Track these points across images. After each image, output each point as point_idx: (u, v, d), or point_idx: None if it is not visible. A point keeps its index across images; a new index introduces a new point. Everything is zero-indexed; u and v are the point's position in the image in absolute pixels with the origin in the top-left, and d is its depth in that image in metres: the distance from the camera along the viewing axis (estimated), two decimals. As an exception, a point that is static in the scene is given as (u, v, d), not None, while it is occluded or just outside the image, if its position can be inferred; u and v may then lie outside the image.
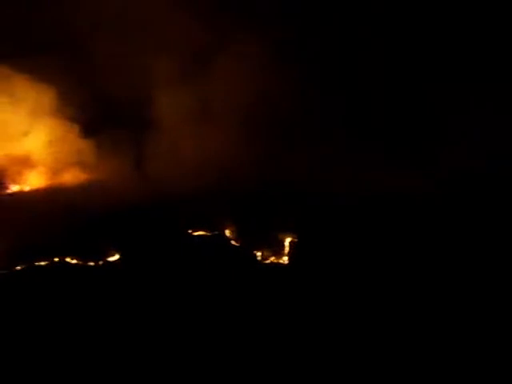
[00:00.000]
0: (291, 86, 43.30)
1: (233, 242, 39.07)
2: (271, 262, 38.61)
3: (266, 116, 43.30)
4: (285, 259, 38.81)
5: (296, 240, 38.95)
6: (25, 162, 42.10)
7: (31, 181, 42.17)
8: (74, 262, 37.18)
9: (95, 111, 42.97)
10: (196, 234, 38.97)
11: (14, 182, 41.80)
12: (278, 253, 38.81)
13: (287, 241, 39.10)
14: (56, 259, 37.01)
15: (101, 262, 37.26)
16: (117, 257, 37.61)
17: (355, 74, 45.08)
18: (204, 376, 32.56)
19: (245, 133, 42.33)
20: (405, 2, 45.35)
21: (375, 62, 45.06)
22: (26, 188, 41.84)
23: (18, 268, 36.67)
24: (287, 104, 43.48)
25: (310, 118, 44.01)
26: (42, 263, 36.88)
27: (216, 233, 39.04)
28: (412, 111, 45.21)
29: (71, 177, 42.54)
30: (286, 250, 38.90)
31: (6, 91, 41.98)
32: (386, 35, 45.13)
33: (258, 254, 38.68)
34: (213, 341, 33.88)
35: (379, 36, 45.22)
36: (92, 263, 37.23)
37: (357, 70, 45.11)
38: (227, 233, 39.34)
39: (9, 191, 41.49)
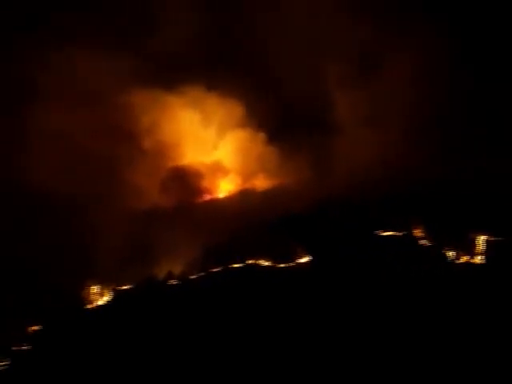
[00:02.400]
0: (455, 88, 42.54)
1: (422, 242, 38.34)
2: (464, 262, 37.46)
3: (433, 116, 42.60)
4: (479, 258, 37.49)
5: (492, 238, 37.56)
6: (217, 172, 43.54)
7: (223, 188, 43.44)
8: (266, 264, 37.77)
9: (277, 119, 43.76)
10: (384, 234, 38.45)
11: (208, 190, 43.26)
12: (471, 252, 37.54)
13: (481, 239, 37.75)
14: (249, 261, 37.81)
15: (292, 264, 37.63)
16: (307, 259, 37.85)
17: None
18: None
19: (418, 133, 41.74)
20: None
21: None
22: (219, 195, 43.20)
23: (214, 270, 37.81)
24: (453, 105, 42.69)
25: (477, 119, 42.99)
26: (236, 265, 37.79)
27: (404, 233, 38.32)
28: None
29: (259, 183, 43.49)
30: (480, 248, 37.65)
31: (198, 109, 43.92)
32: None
33: (449, 253, 37.76)
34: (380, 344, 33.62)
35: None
36: (283, 265, 37.66)
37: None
38: (416, 232, 38.66)
39: (204, 199, 42.97)
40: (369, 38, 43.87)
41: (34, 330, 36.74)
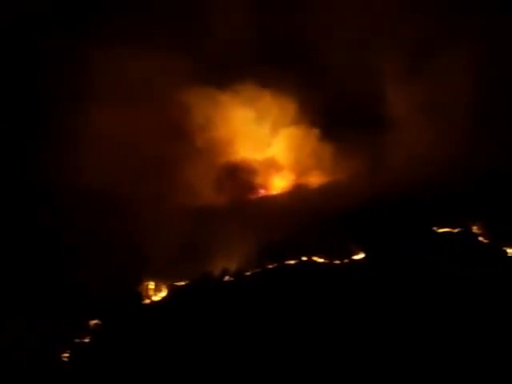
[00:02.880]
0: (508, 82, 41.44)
1: (481, 239, 37.60)
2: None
3: (492, 111, 41.58)
4: None
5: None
6: (270, 168, 43.46)
7: (277, 185, 43.38)
8: (321, 260, 37.59)
9: (331, 115, 43.38)
10: (440, 231, 37.74)
11: (262, 186, 43.24)
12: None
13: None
14: (304, 258, 37.66)
15: (346, 261, 37.35)
16: (362, 255, 37.50)
17: None
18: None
19: (475, 128, 40.80)
20: None
21: None
22: (273, 192, 43.16)
23: (270, 266, 37.78)
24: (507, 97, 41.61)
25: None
26: (291, 262, 37.68)
27: (462, 229, 37.57)
28: None
29: (313, 179, 43.25)
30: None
31: (252, 107, 43.85)
32: None
33: (509, 250, 36.78)
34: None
35: None
36: (338, 261, 37.41)
37: None
38: (474, 229, 37.82)
39: (258, 195, 42.99)
40: (423, 29, 43.09)
41: (94, 324, 37.49)
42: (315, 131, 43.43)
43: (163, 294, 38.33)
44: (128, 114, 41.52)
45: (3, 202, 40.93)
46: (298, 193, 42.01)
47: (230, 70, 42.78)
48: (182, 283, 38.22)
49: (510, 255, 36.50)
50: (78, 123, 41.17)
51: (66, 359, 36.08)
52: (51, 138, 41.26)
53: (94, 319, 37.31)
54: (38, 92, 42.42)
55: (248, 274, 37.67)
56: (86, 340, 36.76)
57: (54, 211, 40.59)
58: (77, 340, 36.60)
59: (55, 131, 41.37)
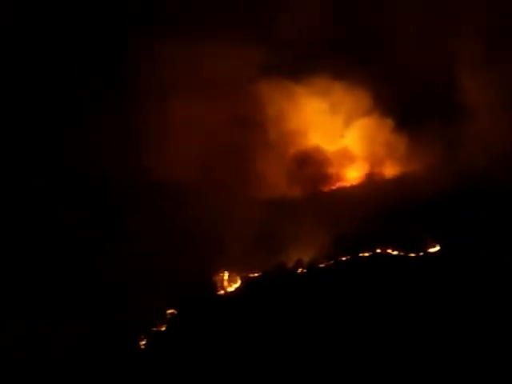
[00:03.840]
0: None
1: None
2: None
3: None
4: None
5: None
6: (344, 159, 42.88)
7: (350, 176, 42.81)
8: (395, 253, 36.94)
9: (405, 105, 42.54)
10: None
11: (336, 178, 42.72)
12: None
13: None
14: (378, 250, 37.07)
15: (421, 254, 36.61)
16: (437, 248, 36.68)
17: None
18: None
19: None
20: None
21: None
22: (347, 183, 42.62)
23: (343, 259, 37.33)
24: None
25: None
26: (365, 254, 37.15)
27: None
28: None
29: (387, 170, 42.54)
30: None
31: (325, 98, 43.29)
32: None
33: None
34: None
35: None
36: (413, 254, 36.69)
37: None
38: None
39: (331, 187, 42.49)
40: (499, 16, 41.77)
41: (170, 313, 37.82)
42: (389, 121, 42.64)
43: (237, 284, 38.38)
44: (202, 106, 41.55)
45: (84, 195, 41.63)
46: (371, 184, 41.37)
47: (304, 62, 42.34)
48: (256, 274, 38.17)
49: None
50: (154, 117, 41.43)
51: (143, 347, 36.45)
52: (129, 131, 41.69)
53: (170, 309, 37.61)
54: (117, 86, 42.86)
55: (321, 266, 37.33)
56: (162, 329, 37.08)
57: (131, 203, 41.02)
58: (153, 328, 36.95)
59: (132, 125, 41.75)
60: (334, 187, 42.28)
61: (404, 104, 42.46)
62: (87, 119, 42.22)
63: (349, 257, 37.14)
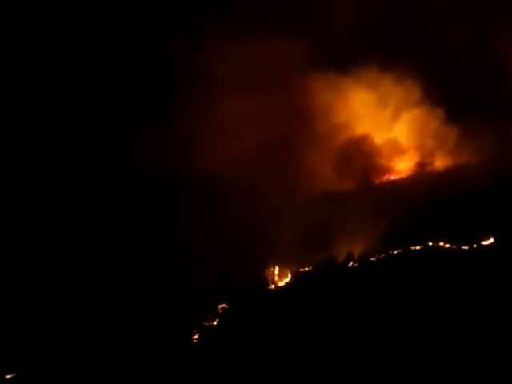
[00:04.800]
0: None
1: None
2: None
3: None
4: None
5: None
6: (394, 151, 42.17)
7: (400, 168, 42.09)
8: (448, 246, 36.16)
9: (455, 96, 41.69)
10: None
11: (385, 170, 42.06)
12: None
13: None
14: (430, 243, 36.33)
15: (474, 246, 35.75)
16: (491, 240, 35.76)
17: None
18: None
19: None
20: None
21: None
22: (397, 175, 41.91)
23: (395, 252, 36.68)
24: None
25: None
26: (417, 247, 36.45)
27: None
28: None
29: (437, 161, 41.74)
30: None
31: (374, 90, 42.60)
32: None
33: None
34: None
35: None
36: (465, 247, 35.86)
37: None
38: None
39: (381, 179, 41.84)
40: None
41: (222, 308, 37.76)
42: (439, 112, 41.78)
43: (287, 279, 38.05)
44: (252, 101, 41.30)
45: (131, 191, 41.77)
46: (422, 176, 40.61)
47: (352, 54, 41.77)
48: (306, 269, 37.79)
49: None
50: (205, 111, 41.30)
51: (195, 341, 36.49)
52: (180, 126, 41.64)
53: (221, 303, 37.53)
54: (169, 82, 42.88)
55: (372, 259, 36.76)
56: (214, 323, 37.04)
57: (184, 198, 41.01)
58: (206, 323, 36.94)
59: (184, 120, 41.68)
60: (383, 179, 41.63)
61: (455, 94, 41.58)
62: (144, 118, 42.39)
63: (400, 250, 36.44)
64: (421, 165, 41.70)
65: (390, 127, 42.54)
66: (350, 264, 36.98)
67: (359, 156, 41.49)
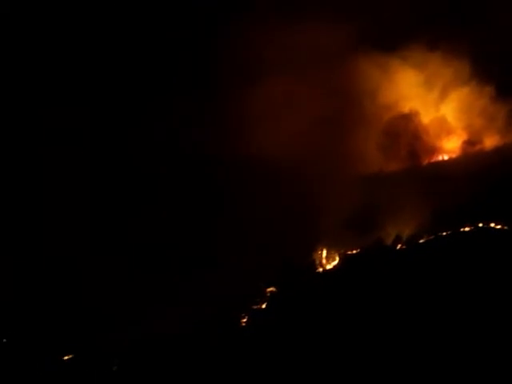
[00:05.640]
0: None
1: None
2: None
3: None
4: None
5: None
6: (442, 131, 41.33)
7: (449, 147, 41.23)
8: (499, 227, 35.32)
9: (505, 73, 40.57)
10: None
11: (434, 150, 41.24)
12: None
13: None
14: (480, 225, 35.54)
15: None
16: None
17: None
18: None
19: None
20: None
21: None
22: (445, 155, 41.07)
23: (444, 234, 35.95)
24: None
25: None
26: (467, 229, 35.70)
27: None
28: None
29: (487, 141, 40.77)
30: None
31: (422, 70, 41.66)
32: None
33: None
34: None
35: None
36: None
37: None
38: None
39: (429, 159, 41.00)
40: None
41: (270, 291, 37.60)
42: (488, 90, 40.74)
43: (335, 262, 37.65)
44: (300, 81, 40.81)
45: (177, 176, 41.71)
46: (471, 156, 39.71)
47: (400, 35, 40.90)
48: (354, 251, 37.34)
49: None
50: (250, 95, 40.91)
51: (244, 324, 36.45)
52: (227, 109, 41.38)
53: (270, 287, 37.36)
54: (213, 66, 42.58)
55: (421, 241, 36.11)
56: (263, 306, 36.92)
57: (232, 182, 40.81)
58: (254, 306, 36.85)
59: (231, 103, 41.39)
60: (432, 160, 40.82)
61: (504, 72, 40.49)
62: (187, 102, 42.21)
63: (449, 232, 35.71)
64: (470, 144, 40.77)
65: (437, 107, 41.67)
66: (399, 246, 36.40)
67: (407, 136, 40.75)
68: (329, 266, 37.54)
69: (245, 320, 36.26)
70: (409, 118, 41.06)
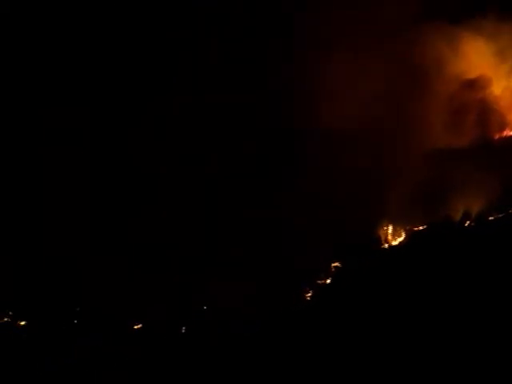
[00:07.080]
0: None
1: None
2: None
3: None
4: None
5: None
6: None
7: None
8: None
9: None
10: None
11: (505, 124, 39.75)
12: None
13: None
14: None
15: None
16: None
17: None
18: None
19: None
20: None
21: None
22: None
23: (512, 211, 34.91)
24: None
25: None
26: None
27: None
28: None
29: None
30: None
31: (494, 42, 40.08)
32: None
33: None
34: None
35: None
36: None
37: None
38: None
39: (501, 134, 39.57)
40: None
41: (335, 267, 37.26)
42: None
43: (401, 238, 36.94)
44: (365, 55, 39.87)
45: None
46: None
47: (471, 5, 39.39)
48: (421, 228, 36.52)
49: None
50: (319, 67, 40.23)
51: (308, 298, 36.31)
52: (296, 87, 40.82)
53: (335, 262, 37.00)
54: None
55: (491, 219, 35.03)
56: (328, 281, 36.63)
57: (298, 159, 40.30)
58: (319, 281, 36.60)
59: (301, 80, 40.78)
60: (503, 135, 39.44)
61: None
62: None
63: (521, 210, 34.65)
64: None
65: (509, 80, 40.09)
66: (467, 223, 35.40)
67: (476, 110, 39.38)
68: (394, 243, 36.87)
69: (309, 294, 36.08)
70: (479, 86, 39.56)
